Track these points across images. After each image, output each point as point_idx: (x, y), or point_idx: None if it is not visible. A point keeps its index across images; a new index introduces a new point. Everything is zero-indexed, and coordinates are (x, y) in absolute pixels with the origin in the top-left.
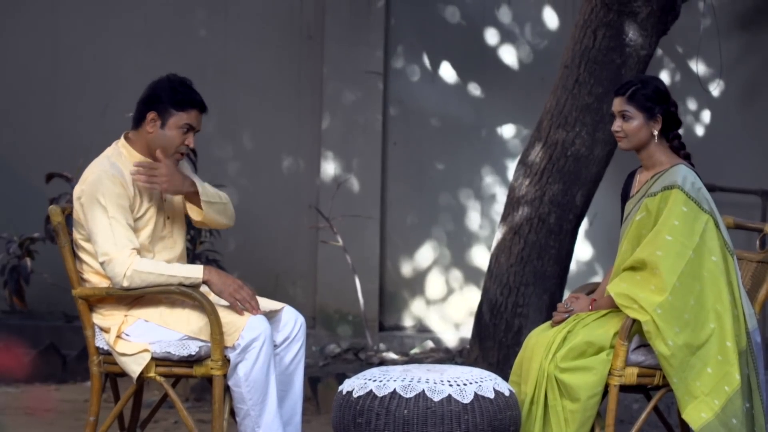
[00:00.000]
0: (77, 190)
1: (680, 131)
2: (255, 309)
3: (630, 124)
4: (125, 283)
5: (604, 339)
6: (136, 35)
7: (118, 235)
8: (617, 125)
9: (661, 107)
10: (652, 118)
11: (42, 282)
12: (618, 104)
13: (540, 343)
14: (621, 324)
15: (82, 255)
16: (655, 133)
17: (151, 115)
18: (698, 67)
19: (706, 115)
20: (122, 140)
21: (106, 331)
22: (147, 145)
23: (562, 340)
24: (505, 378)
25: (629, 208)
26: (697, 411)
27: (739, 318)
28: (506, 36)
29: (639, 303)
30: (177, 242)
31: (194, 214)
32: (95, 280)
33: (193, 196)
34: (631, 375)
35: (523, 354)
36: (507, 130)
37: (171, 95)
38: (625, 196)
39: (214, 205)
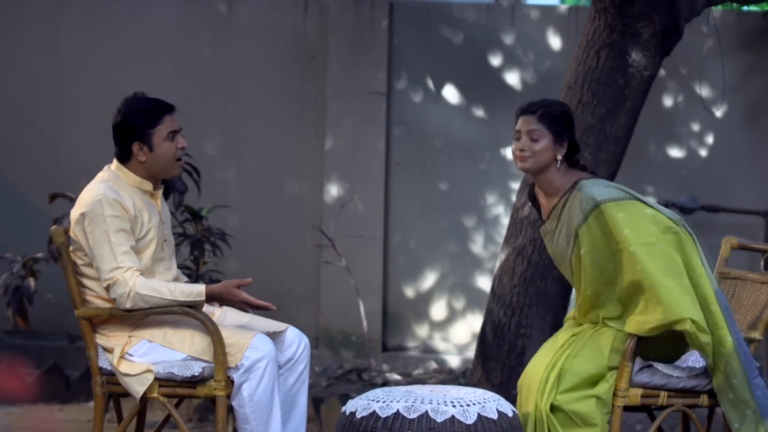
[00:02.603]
0: (75, 215)
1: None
2: (269, 307)
3: (537, 144)
4: (128, 305)
5: (600, 365)
6: (141, 55)
7: (121, 258)
8: (523, 144)
9: (569, 132)
10: (559, 142)
11: (45, 302)
12: (525, 123)
13: (533, 383)
14: (611, 341)
15: (83, 279)
16: (559, 157)
17: (135, 146)
18: (701, 88)
19: (709, 137)
20: (116, 163)
21: (109, 351)
22: (145, 170)
23: (556, 378)
24: (509, 399)
25: (550, 234)
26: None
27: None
28: (509, 57)
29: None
30: (173, 264)
31: None
32: (98, 303)
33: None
34: (635, 396)
35: (519, 395)
36: (510, 151)
37: (140, 118)
38: (532, 198)
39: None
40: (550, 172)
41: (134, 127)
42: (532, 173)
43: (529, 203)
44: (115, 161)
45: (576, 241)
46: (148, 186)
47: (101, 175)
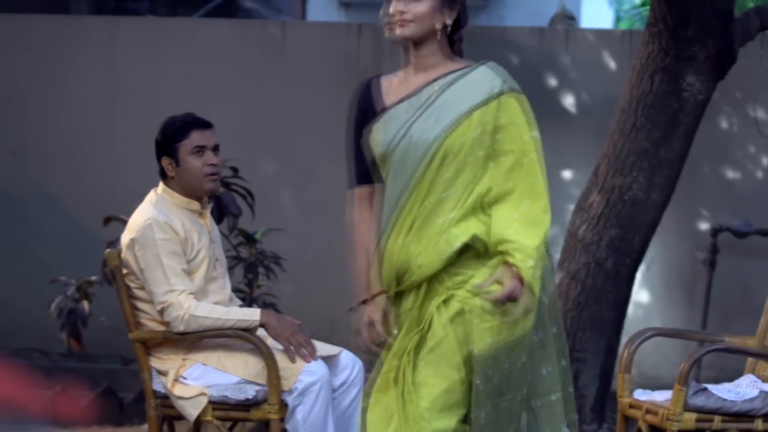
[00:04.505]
0: (126, 240)
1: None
2: (309, 356)
3: (419, 5)
4: (182, 327)
5: (456, 369)
6: (194, 80)
7: (174, 280)
8: (401, 5)
9: None
10: (448, 6)
11: (99, 325)
12: None
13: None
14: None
15: (137, 302)
16: (448, 22)
17: (164, 161)
18: (756, 112)
19: (763, 160)
20: (162, 186)
21: (163, 374)
22: (183, 189)
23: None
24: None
25: (398, 119)
26: None
27: None
28: (564, 80)
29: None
30: (226, 283)
31: None
32: (152, 326)
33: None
34: (689, 420)
35: None
36: (565, 175)
37: (168, 132)
38: (366, 111)
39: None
40: (434, 44)
41: (164, 141)
42: (412, 43)
43: (585, 226)
44: (160, 183)
45: (457, 126)
46: (196, 206)
47: (150, 198)
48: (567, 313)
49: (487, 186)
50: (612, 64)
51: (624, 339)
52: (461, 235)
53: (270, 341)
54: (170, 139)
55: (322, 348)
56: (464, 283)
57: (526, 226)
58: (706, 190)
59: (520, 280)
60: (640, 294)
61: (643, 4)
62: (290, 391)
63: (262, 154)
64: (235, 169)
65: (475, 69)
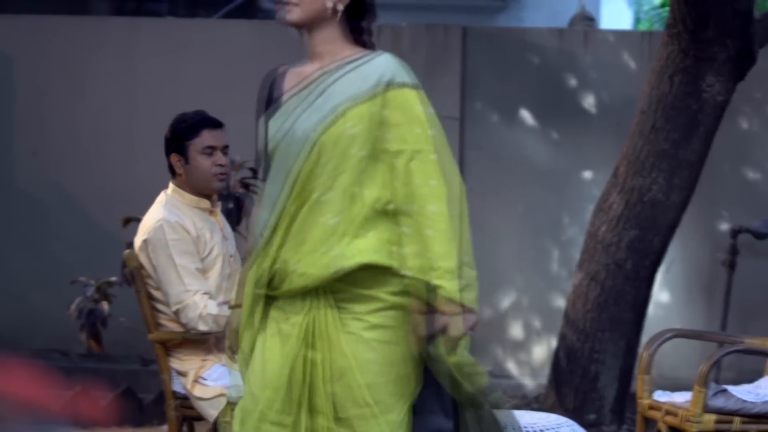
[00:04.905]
0: (138, 242)
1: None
2: None
3: None
4: (201, 326)
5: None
6: (213, 80)
7: (188, 281)
8: None
9: None
10: None
11: (119, 326)
12: None
13: None
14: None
15: (156, 303)
16: (340, 7)
17: (173, 158)
18: None
19: None
20: (172, 186)
21: (183, 375)
22: (191, 187)
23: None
24: (582, 424)
25: (287, 114)
26: None
27: None
28: (583, 81)
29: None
30: None
31: None
32: (171, 326)
33: None
34: (708, 422)
35: None
36: (584, 175)
37: (178, 129)
38: (268, 103)
39: None
40: (330, 28)
41: (173, 138)
42: (306, 29)
43: (604, 227)
44: (170, 183)
45: (335, 121)
46: (206, 204)
47: (160, 199)
48: (586, 314)
49: (377, 193)
50: (631, 65)
51: (644, 340)
52: (359, 255)
53: None
54: (180, 136)
55: None
56: (358, 302)
57: (441, 243)
58: (725, 191)
59: (453, 307)
60: (659, 295)
61: (662, 5)
62: None
63: None
64: (254, 170)
65: (370, 60)
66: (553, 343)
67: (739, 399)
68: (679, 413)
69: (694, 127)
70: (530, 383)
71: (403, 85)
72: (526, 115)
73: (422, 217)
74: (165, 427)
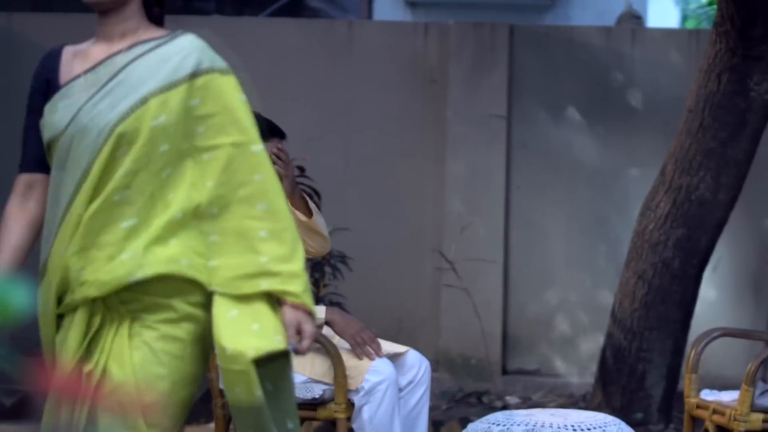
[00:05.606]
0: None
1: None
2: (374, 353)
3: None
4: None
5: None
6: (260, 79)
7: None
8: None
9: None
10: None
11: None
12: None
13: None
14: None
15: None
16: None
17: None
18: None
19: None
20: None
21: None
22: None
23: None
24: (629, 423)
25: (73, 98)
26: None
27: None
28: (630, 79)
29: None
30: None
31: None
32: None
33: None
34: (756, 421)
35: None
36: (631, 174)
37: None
38: (49, 84)
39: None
40: (128, 9)
41: None
42: (105, 9)
43: (652, 226)
44: None
45: (132, 112)
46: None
47: None
48: (634, 312)
49: (184, 195)
50: (679, 64)
51: (691, 339)
52: (157, 264)
53: (336, 340)
54: None
55: (389, 347)
56: (151, 312)
57: (281, 244)
58: None
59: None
60: (707, 294)
61: (710, 4)
62: (357, 391)
63: (328, 153)
64: (302, 168)
65: (169, 42)
66: (601, 341)
67: None
68: (727, 412)
69: (742, 125)
70: (577, 382)
71: (212, 71)
72: (573, 113)
73: (250, 218)
74: (212, 425)
